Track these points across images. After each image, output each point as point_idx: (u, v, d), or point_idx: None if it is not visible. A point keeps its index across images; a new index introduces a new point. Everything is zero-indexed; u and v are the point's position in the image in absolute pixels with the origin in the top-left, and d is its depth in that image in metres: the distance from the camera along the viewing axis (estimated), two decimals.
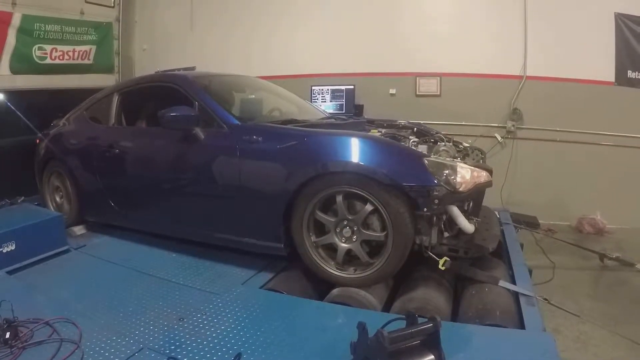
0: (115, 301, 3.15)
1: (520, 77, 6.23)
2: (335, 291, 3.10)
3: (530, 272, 3.36)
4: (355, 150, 2.99)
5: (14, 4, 6.76)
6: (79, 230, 4.70)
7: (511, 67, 6.26)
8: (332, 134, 3.25)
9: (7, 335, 2.58)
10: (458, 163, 3.00)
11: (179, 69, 6.99)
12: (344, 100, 7.01)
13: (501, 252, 3.68)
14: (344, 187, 2.99)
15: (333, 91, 7.05)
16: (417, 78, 6.76)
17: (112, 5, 8.43)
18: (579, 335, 3.63)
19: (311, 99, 7.01)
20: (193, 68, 7.78)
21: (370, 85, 7.00)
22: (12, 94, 6.94)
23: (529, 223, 4.98)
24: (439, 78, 6.65)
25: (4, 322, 2.68)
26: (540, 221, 5.44)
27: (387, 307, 3.05)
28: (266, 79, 5.48)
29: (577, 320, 3.67)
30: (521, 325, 2.60)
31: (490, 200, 3.60)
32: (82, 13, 7.83)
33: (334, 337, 2.53)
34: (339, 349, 2.30)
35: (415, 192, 2.84)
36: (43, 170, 5.14)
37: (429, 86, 6.70)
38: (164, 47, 8.98)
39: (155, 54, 9.09)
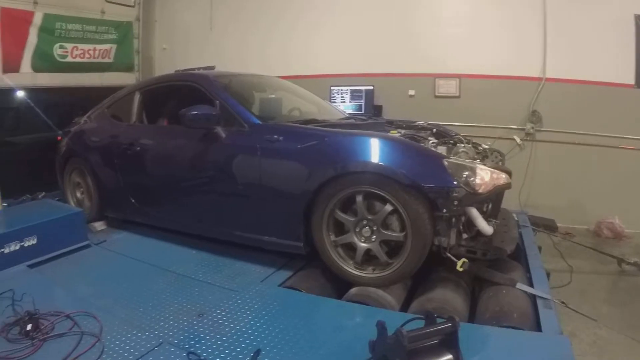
0: (135, 296, 3.19)
1: (540, 78, 6.18)
2: (353, 290, 3.11)
3: (548, 275, 3.34)
4: (375, 151, 3.01)
5: (35, 3, 6.89)
6: (99, 226, 4.75)
7: (530, 69, 6.22)
8: (353, 134, 3.27)
9: (29, 327, 2.62)
10: (477, 165, 3.00)
11: (198, 68, 7.08)
12: (363, 101, 7.01)
13: (519, 255, 3.66)
14: (364, 187, 3.01)
15: (352, 92, 7.06)
16: (436, 79, 6.74)
17: (133, 4, 8.56)
18: (595, 340, 3.61)
19: (330, 99, 7.02)
20: (213, 67, 7.85)
21: (389, 86, 7.00)
22: (33, 91, 7.04)
23: (547, 226, 4.95)
24: (458, 79, 6.63)
25: (26, 314, 2.75)
26: (558, 224, 5.42)
27: (404, 308, 3.05)
28: (285, 79, 5.50)
29: (593, 325, 3.66)
30: (538, 328, 2.59)
31: (508, 202, 3.60)
32: (102, 12, 7.98)
33: (351, 336, 2.54)
34: (357, 347, 2.32)
35: (434, 193, 2.85)
36: (64, 166, 5.20)
37: (448, 87, 6.68)
38: (184, 47, 9.06)
39: (175, 53, 9.18)
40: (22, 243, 3.73)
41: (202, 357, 2.37)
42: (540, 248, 3.94)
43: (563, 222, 5.73)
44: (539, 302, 2.84)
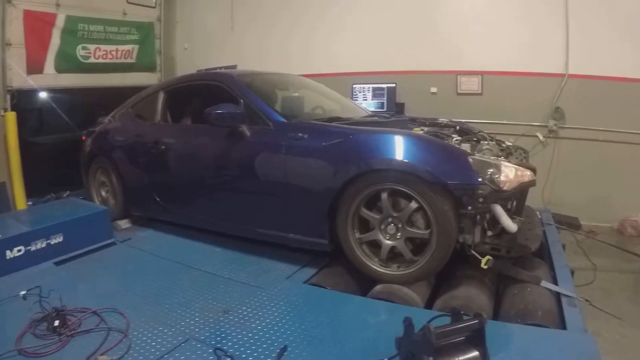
0: (161, 293, 3.23)
1: (562, 75, 6.11)
2: (378, 287, 3.12)
3: (572, 273, 3.32)
4: (400, 148, 3.02)
5: (57, 5, 6.95)
6: (124, 224, 4.81)
7: (553, 65, 6.14)
8: (377, 131, 3.28)
9: (56, 323, 2.66)
10: (502, 162, 2.99)
11: (220, 68, 7.10)
12: (385, 99, 6.98)
13: (543, 253, 3.64)
14: (389, 185, 3.02)
15: (374, 89, 7.03)
16: (458, 76, 6.69)
17: (154, 5, 8.60)
18: (619, 339, 3.56)
19: (352, 97, 7.01)
20: (234, 66, 7.88)
21: (411, 84, 6.96)
22: (57, 92, 7.14)
23: (570, 224, 4.89)
24: (480, 76, 6.57)
25: (53, 310, 2.79)
26: (581, 222, 5.35)
27: (429, 305, 3.07)
28: (307, 77, 5.51)
29: (617, 324, 3.61)
30: (562, 325, 2.58)
31: (531, 200, 3.57)
32: (124, 13, 8.02)
33: (376, 333, 2.55)
34: (382, 344, 2.33)
35: (459, 191, 2.86)
36: (89, 165, 5.25)
37: (470, 84, 6.63)
38: (205, 46, 9.10)
39: (197, 52, 9.22)
40: (49, 241, 3.79)
41: (228, 353, 2.38)
42: (564, 246, 3.91)
43: (586, 220, 5.66)
44: (564, 300, 2.83)
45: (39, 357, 2.43)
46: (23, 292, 3.12)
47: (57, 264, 3.76)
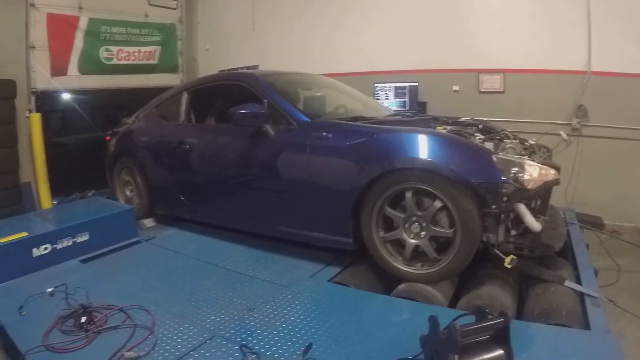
0: (186, 291, 3.27)
1: (585, 72, 6.05)
2: (401, 286, 3.13)
3: (596, 273, 3.30)
4: (424, 147, 3.02)
5: (80, 8, 7.06)
6: (148, 222, 4.87)
7: (575, 63, 6.07)
8: (401, 130, 3.29)
9: (83, 320, 2.71)
10: (526, 160, 2.99)
11: (242, 68, 7.14)
12: (407, 97, 6.96)
13: (566, 252, 3.63)
14: (413, 184, 3.02)
15: (396, 88, 7.01)
16: (480, 74, 6.65)
17: (175, 7, 8.68)
18: None
19: (374, 96, 7.01)
20: (256, 66, 7.92)
21: (433, 82, 6.94)
22: (81, 93, 7.24)
23: (594, 223, 4.85)
24: (502, 74, 6.52)
25: (80, 307, 2.84)
26: (605, 222, 5.31)
27: (452, 304, 3.07)
28: (329, 77, 5.52)
29: None
30: (586, 326, 2.56)
31: (555, 199, 3.55)
32: (146, 15, 8.12)
33: (400, 331, 2.56)
34: (405, 342, 2.34)
35: (484, 189, 2.85)
36: (114, 165, 5.32)
37: (492, 82, 6.58)
38: (226, 47, 9.17)
39: (218, 53, 9.29)
40: (75, 239, 3.86)
41: (254, 350, 2.40)
42: (587, 246, 3.88)
43: (610, 220, 5.60)
44: (587, 300, 2.80)
45: (66, 353, 2.48)
46: (50, 289, 3.18)
47: (83, 261, 3.83)
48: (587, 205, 5.52)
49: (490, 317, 2.08)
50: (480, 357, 1.99)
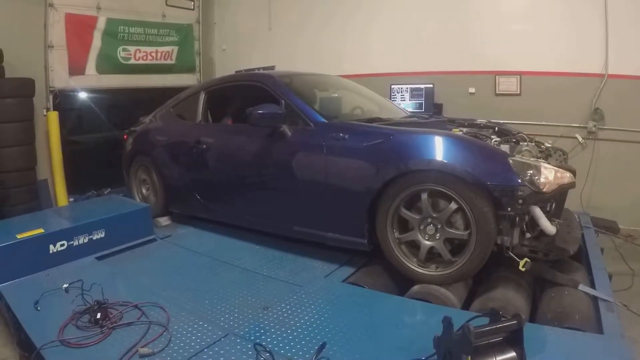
0: (201, 289, 3.30)
1: (602, 75, 6.01)
2: (415, 287, 3.13)
3: (610, 277, 3.29)
4: (441, 149, 3.03)
5: (98, 8, 7.14)
6: (164, 221, 4.91)
7: (592, 65, 6.02)
8: (418, 132, 3.30)
9: (98, 315, 2.74)
10: (542, 163, 2.98)
11: (259, 68, 7.16)
12: (423, 99, 6.96)
13: (581, 256, 3.61)
14: (429, 185, 3.03)
15: (412, 90, 7.01)
16: (497, 77, 6.61)
17: (192, 7, 8.73)
18: None
19: (390, 97, 7.01)
20: (273, 67, 7.93)
21: (449, 84, 6.93)
22: (98, 92, 7.32)
23: (609, 227, 4.80)
24: (518, 76, 6.48)
25: (95, 303, 2.87)
26: (620, 226, 5.26)
27: (465, 306, 3.07)
28: (346, 78, 5.54)
29: None
30: (599, 330, 2.55)
31: (570, 202, 3.53)
32: (163, 16, 8.19)
33: (413, 332, 2.58)
34: (419, 343, 2.35)
35: (499, 192, 2.85)
36: (130, 163, 5.37)
37: (508, 85, 6.55)
38: (243, 47, 9.18)
39: (235, 53, 9.31)
40: (91, 236, 3.91)
41: (267, 349, 2.41)
42: (602, 250, 3.87)
43: (625, 224, 5.56)
44: (601, 305, 2.79)
45: (81, 348, 2.51)
46: (65, 285, 3.22)
47: (99, 258, 3.87)
48: (603, 210, 5.47)
49: (503, 319, 2.08)
50: (493, 359, 1.99)
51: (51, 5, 6.59)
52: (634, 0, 5.81)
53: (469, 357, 1.93)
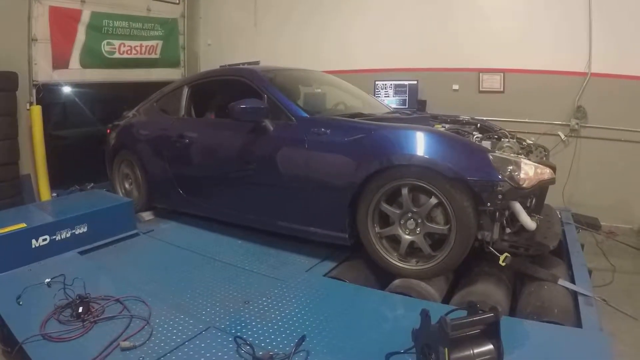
0: (183, 283, 3.30)
1: (585, 73, 6.06)
2: (396, 282, 3.15)
3: (590, 273, 3.32)
4: (421, 144, 3.04)
5: (82, 1, 7.05)
6: (147, 215, 4.90)
7: (575, 64, 6.07)
8: (399, 127, 3.31)
9: (80, 310, 2.73)
10: (522, 159, 3.01)
11: (243, 64, 7.15)
12: (406, 95, 6.96)
13: (561, 252, 3.63)
14: (409, 180, 3.04)
15: (396, 86, 7.01)
16: (481, 74, 6.65)
17: (177, 2, 8.69)
18: (635, 341, 3.50)
19: (375, 93, 7.00)
20: (257, 62, 7.92)
21: (433, 81, 6.95)
22: (82, 87, 7.26)
23: (590, 224, 4.85)
24: (502, 74, 6.52)
25: (77, 297, 2.86)
26: (602, 223, 5.31)
27: (446, 300, 3.08)
28: (330, 74, 5.54)
29: (635, 326, 3.57)
30: (578, 324, 2.58)
31: (552, 199, 3.57)
32: (148, 10, 8.12)
33: (393, 326, 2.61)
34: (399, 337, 2.35)
35: (479, 187, 2.87)
36: (113, 158, 5.34)
37: (492, 82, 6.58)
38: (228, 42, 9.14)
39: (220, 48, 9.26)
40: (73, 231, 3.87)
41: (248, 342, 2.41)
42: (582, 246, 3.89)
43: (607, 221, 5.61)
44: (580, 299, 2.82)
45: (63, 342, 2.50)
46: (48, 280, 3.20)
47: (81, 253, 3.84)
48: (585, 206, 5.52)
49: (480, 312, 2.10)
50: (470, 351, 2.01)
51: None
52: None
53: (446, 349, 1.94)
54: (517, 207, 2.96)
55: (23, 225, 3.64)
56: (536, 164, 3.03)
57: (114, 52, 7.60)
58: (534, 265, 3.17)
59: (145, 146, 4.88)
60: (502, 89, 6.57)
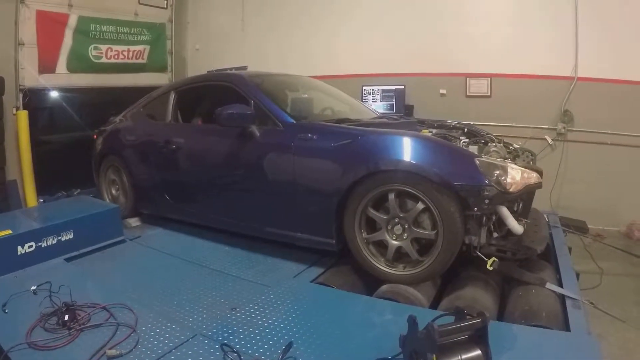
0: (170, 290, 3.27)
1: (572, 78, 6.12)
2: (384, 287, 3.13)
3: (578, 276, 3.33)
4: (408, 149, 3.04)
5: (70, 5, 7.04)
6: (134, 222, 4.85)
7: (562, 68, 6.14)
8: (385, 133, 3.30)
9: (66, 317, 2.69)
10: (509, 164, 3.01)
11: (231, 69, 7.14)
12: (394, 100, 7.00)
13: (549, 255, 3.65)
14: (396, 186, 3.04)
15: (383, 91, 7.05)
16: (468, 79, 6.71)
17: (165, 6, 8.68)
18: (624, 343, 3.55)
19: (362, 98, 7.04)
20: (245, 67, 7.92)
21: (421, 86, 6.99)
22: (69, 91, 7.22)
23: (578, 227, 4.88)
24: (489, 79, 6.59)
25: (63, 305, 2.82)
26: (589, 226, 5.34)
27: (434, 305, 3.08)
28: (317, 79, 5.54)
29: (623, 327, 3.61)
30: (566, 327, 2.58)
31: (539, 203, 3.58)
32: (136, 14, 8.11)
33: (381, 332, 2.58)
34: (386, 343, 2.34)
35: (466, 192, 2.87)
36: (100, 164, 5.30)
37: (479, 87, 6.64)
38: (216, 47, 9.17)
39: (207, 53, 9.29)
40: (59, 237, 3.83)
41: (235, 349, 2.40)
42: (570, 249, 3.91)
43: (594, 224, 5.66)
44: (568, 303, 2.82)
45: (49, 350, 2.46)
46: (33, 287, 3.15)
47: (68, 260, 3.80)
48: (572, 210, 5.56)
49: (468, 317, 2.09)
50: (458, 357, 2.00)
51: (22, 1, 6.48)
52: (603, 5, 5.92)
53: (434, 355, 1.93)
54: (504, 211, 2.96)
55: (8, 231, 3.60)
56: (523, 169, 3.04)
57: (101, 57, 7.58)
58: (522, 269, 3.17)
59: (132, 152, 4.85)
60: (489, 94, 6.63)
